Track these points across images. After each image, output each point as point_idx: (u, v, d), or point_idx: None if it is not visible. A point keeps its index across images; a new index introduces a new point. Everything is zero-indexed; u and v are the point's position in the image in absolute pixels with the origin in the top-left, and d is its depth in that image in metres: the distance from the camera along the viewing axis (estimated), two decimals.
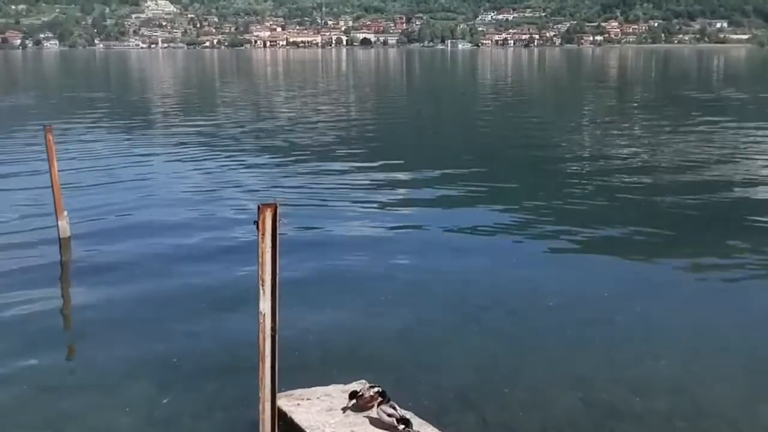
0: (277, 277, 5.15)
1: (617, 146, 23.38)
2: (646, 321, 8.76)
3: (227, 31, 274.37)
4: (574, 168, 19.40)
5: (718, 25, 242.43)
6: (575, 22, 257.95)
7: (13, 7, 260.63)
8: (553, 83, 66.82)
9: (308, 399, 6.40)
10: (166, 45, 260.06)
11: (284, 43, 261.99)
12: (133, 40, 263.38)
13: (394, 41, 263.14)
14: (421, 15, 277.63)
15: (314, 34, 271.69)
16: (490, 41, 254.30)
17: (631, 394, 6.98)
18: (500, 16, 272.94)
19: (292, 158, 20.69)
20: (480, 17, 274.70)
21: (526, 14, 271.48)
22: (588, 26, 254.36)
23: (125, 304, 9.30)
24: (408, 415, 6.01)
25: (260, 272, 5.07)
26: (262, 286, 5.09)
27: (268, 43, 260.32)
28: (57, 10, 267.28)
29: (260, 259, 5.05)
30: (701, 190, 16.23)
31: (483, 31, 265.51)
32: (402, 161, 20.08)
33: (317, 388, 6.61)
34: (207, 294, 9.58)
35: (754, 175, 17.84)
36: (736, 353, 7.98)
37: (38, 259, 11.03)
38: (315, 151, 22.20)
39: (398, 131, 28.84)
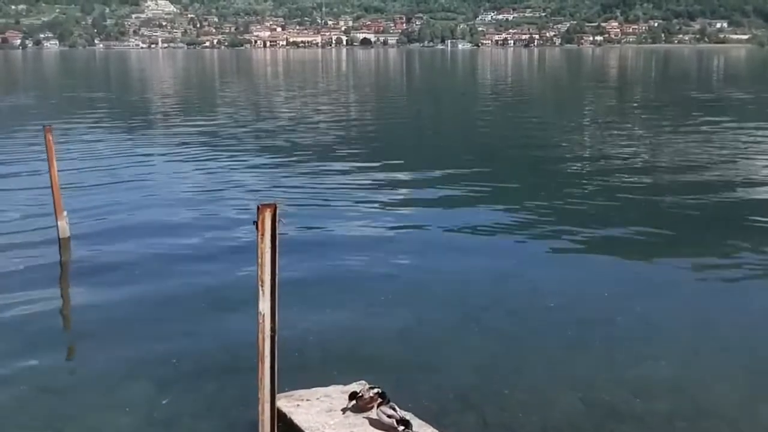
0: (277, 277, 5.14)
1: (617, 146, 23.37)
2: (647, 321, 8.75)
3: (227, 31, 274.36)
4: (574, 168, 19.40)
5: (718, 25, 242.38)
6: (575, 22, 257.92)
7: (13, 7, 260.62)
8: (553, 83, 66.81)
9: (308, 400, 6.39)
10: (166, 45, 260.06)
11: (284, 43, 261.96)
12: (133, 40, 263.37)
13: (394, 41, 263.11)
14: (421, 15, 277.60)
15: (314, 34, 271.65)
16: (490, 41, 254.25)
17: (631, 395, 6.97)
18: (500, 16, 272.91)
19: (292, 158, 20.68)
20: (480, 17, 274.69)
21: (526, 14, 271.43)
22: (588, 26, 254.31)
23: (125, 304, 9.30)
24: (408, 416, 6.01)
25: (260, 272, 5.07)
26: (262, 286, 5.08)
27: (268, 43, 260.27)
28: (57, 10, 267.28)
29: (259, 260, 5.04)
30: (701, 190, 16.22)
31: (483, 31, 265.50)
32: (402, 161, 20.07)
33: (317, 388, 6.60)
34: (207, 294, 9.57)
35: (754, 176, 17.84)
36: (736, 353, 7.98)
37: (38, 259, 11.02)
38: (315, 151, 22.19)
39: (398, 131, 28.84)
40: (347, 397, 6.30)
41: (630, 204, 14.98)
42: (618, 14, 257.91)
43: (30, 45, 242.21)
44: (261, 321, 5.17)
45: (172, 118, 33.72)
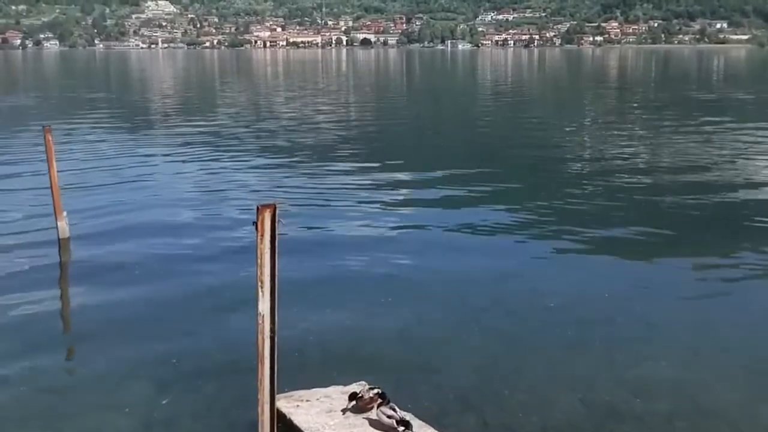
0: (276, 278, 5.13)
1: (617, 146, 23.36)
2: (647, 321, 8.74)
3: (227, 31, 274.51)
4: (574, 168, 19.40)
5: (718, 25, 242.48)
6: (575, 22, 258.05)
7: (13, 7, 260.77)
8: (553, 84, 66.81)
9: (308, 400, 6.39)
10: (166, 45, 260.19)
11: (284, 43, 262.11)
12: (133, 40, 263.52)
13: (394, 41, 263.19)
14: (421, 15, 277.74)
15: (314, 34, 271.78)
16: (490, 41, 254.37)
17: (631, 395, 6.96)
18: (500, 17, 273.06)
19: (292, 158, 20.68)
20: (480, 17, 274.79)
21: (526, 14, 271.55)
22: (588, 26, 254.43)
23: (124, 304, 9.28)
24: (408, 416, 6.00)
25: (259, 273, 5.06)
26: (261, 287, 5.07)
27: (268, 44, 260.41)
28: (57, 11, 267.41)
29: (259, 260, 5.03)
30: (701, 190, 16.21)
31: (483, 31, 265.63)
32: (402, 161, 20.07)
33: (317, 389, 6.59)
34: (207, 295, 9.56)
35: (754, 176, 17.83)
36: (736, 353, 7.97)
37: (37, 259, 11.00)
38: (315, 151, 22.19)
39: (398, 131, 28.83)
40: (347, 398, 6.29)
41: (630, 204, 14.97)
42: (618, 14, 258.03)
43: (30, 45, 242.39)
44: (260, 322, 5.16)
45: (172, 118, 33.72)
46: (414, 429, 5.90)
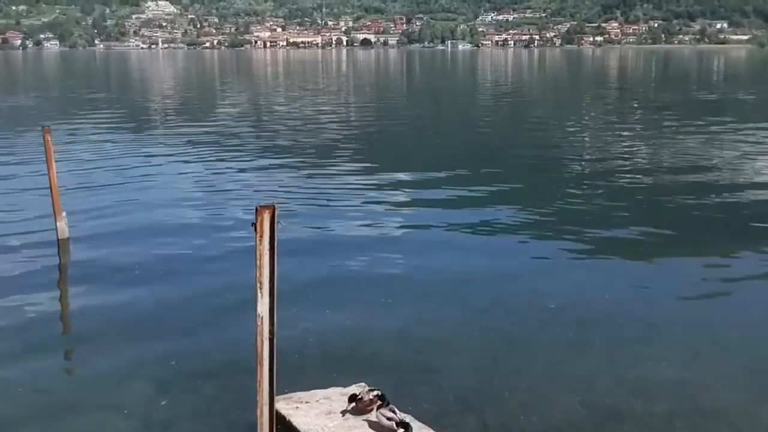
0: (276, 279, 5.11)
1: (617, 147, 23.34)
2: (647, 322, 8.72)
3: (227, 31, 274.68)
4: (574, 168, 19.38)
5: (719, 25, 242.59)
6: (575, 22, 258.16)
7: (13, 7, 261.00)
8: (553, 84, 66.81)
9: (307, 402, 6.36)
10: (166, 45, 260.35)
11: (284, 43, 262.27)
12: (133, 40, 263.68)
13: (394, 42, 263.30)
14: (421, 15, 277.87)
15: (314, 34, 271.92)
16: (490, 42, 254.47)
17: (631, 396, 6.95)
18: (500, 17, 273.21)
19: (292, 159, 20.65)
20: (480, 18, 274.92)
21: (527, 15, 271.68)
22: (588, 27, 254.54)
23: (124, 305, 9.26)
24: (408, 418, 5.98)
25: (258, 275, 5.03)
26: (260, 288, 5.05)
27: (268, 44, 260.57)
28: (57, 11, 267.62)
29: (258, 262, 5.01)
30: (702, 190, 16.20)
31: (483, 31, 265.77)
32: (402, 161, 20.04)
33: (316, 391, 6.57)
34: (206, 295, 9.54)
35: (755, 176, 17.81)
36: (737, 354, 7.95)
37: (36, 260, 10.99)
38: (314, 151, 22.17)
39: (398, 132, 28.80)
40: (347, 400, 6.27)
41: (630, 204, 14.95)
42: (618, 15, 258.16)
43: (30, 45, 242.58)
44: (260, 323, 5.14)
45: (172, 118, 33.71)
46: (414, 431, 5.88)
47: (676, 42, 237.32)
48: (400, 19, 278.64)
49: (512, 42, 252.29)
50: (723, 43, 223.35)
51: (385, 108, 39.51)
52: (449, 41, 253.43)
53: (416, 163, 19.67)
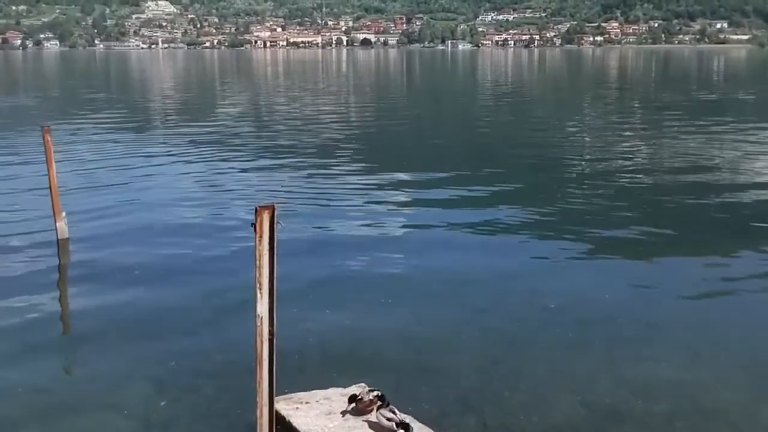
0: (275, 279, 5.10)
1: (617, 147, 23.33)
2: (647, 322, 8.71)
3: (227, 31, 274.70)
4: (574, 168, 19.37)
5: (719, 25, 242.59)
6: (575, 22, 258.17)
7: (13, 7, 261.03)
8: (553, 84, 66.81)
9: (307, 402, 6.35)
10: (166, 45, 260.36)
11: (284, 43, 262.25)
12: (133, 40, 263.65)
13: (394, 42, 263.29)
14: (421, 15, 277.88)
15: (314, 34, 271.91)
16: (490, 42, 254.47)
17: (632, 396, 6.94)
18: (500, 17, 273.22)
19: (292, 159, 20.63)
20: (480, 18, 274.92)
21: (527, 15, 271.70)
22: (588, 27, 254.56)
23: (123, 306, 9.25)
24: (408, 419, 5.97)
25: (258, 275, 5.02)
26: (260, 289, 5.04)
27: (268, 44, 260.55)
28: (57, 11, 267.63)
29: (258, 262, 5.00)
30: (702, 190, 16.19)
31: (483, 31, 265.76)
32: (402, 161, 20.03)
33: (316, 391, 6.56)
34: (206, 296, 9.53)
35: (756, 177, 17.80)
36: (737, 355, 7.94)
37: (36, 260, 10.99)
38: (314, 151, 22.15)
39: (398, 132, 28.80)
40: (347, 400, 6.26)
41: (631, 204, 14.94)
42: (618, 15, 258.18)
43: (30, 45, 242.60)
44: (259, 324, 5.13)
45: (172, 118, 33.71)
46: (414, 431, 5.87)
47: (676, 42, 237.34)
48: (400, 19, 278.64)
49: (512, 42, 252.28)
50: (723, 43, 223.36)
51: (385, 108, 39.50)
52: (449, 41, 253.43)
53: (416, 163, 19.66)
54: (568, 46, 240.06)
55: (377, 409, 6.03)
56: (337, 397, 6.43)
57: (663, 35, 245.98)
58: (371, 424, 5.99)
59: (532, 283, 10.10)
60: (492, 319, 8.90)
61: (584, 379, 7.28)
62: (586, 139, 26.26)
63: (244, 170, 18.93)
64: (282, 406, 6.18)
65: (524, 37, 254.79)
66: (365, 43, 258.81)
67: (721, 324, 8.82)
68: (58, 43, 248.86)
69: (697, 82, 64.04)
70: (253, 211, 4.99)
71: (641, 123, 30.61)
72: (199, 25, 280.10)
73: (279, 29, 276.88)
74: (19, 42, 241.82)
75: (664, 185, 17.03)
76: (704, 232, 12.97)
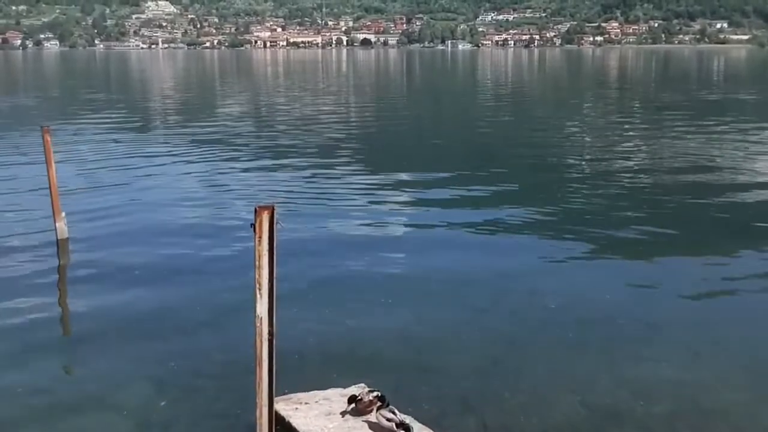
0: (275, 280, 5.09)
1: (618, 147, 23.32)
2: (648, 322, 8.70)
3: (227, 31, 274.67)
4: (575, 169, 19.36)
5: (719, 25, 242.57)
6: (575, 22, 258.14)
7: (13, 7, 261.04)
8: (553, 84, 66.80)
9: (306, 403, 6.34)
10: (166, 45, 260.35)
11: (284, 43, 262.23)
12: (133, 40, 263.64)
13: (394, 42, 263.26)
14: (421, 15, 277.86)
15: (314, 34, 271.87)
16: (490, 42, 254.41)
17: (632, 397, 6.93)
18: (500, 17, 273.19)
19: (292, 159, 20.61)
20: (480, 18, 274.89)
21: (527, 15, 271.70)
22: (588, 27, 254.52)
23: (123, 306, 9.24)
24: (408, 419, 5.96)
25: (257, 275, 5.02)
26: (259, 289, 5.03)
27: (268, 44, 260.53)
28: (57, 11, 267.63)
29: (257, 262, 4.99)
30: (703, 190, 16.19)
31: (483, 31, 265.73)
32: (402, 162, 20.02)
33: (316, 392, 6.55)
34: (205, 296, 9.52)
35: (756, 177, 17.78)
36: (738, 355, 7.93)
37: (35, 260, 10.97)
38: (314, 151, 22.14)
39: (398, 132, 28.79)
40: (346, 401, 6.25)
41: (631, 204, 14.94)
42: (618, 15, 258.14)
43: (30, 45, 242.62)
44: (259, 324, 5.12)
45: (172, 119, 33.71)
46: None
47: (676, 42, 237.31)
48: (400, 19, 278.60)
49: (512, 42, 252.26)
50: (723, 43, 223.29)
51: (385, 108, 39.50)
52: (449, 41, 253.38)
53: (416, 163, 19.65)
54: (568, 46, 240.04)
55: (377, 410, 6.02)
56: (336, 397, 6.42)
57: (663, 35, 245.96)
58: (371, 425, 5.98)
59: (532, 283, 10.09)
60: (492, 319, 8.90)
61: (584, 379, 7.27)
62: (586, 139, 26.26)
63: (244, 170, 18.92)
64: (282, 406, 6.17)
65: (524, 37, 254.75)
66: (365, 43, 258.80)
67: (722, 324, 8.81)
68: (58, 43, 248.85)
69: (697, 82, 64.03)
70: (253, 211, 4.98)
71: (641, 123, 30.59)
72: (199, 25, 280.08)
73: (279, 29, 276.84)
74: (19, 42, 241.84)
75: (664, 185, 17.02)
76: (704, 232, 12.96)
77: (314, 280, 10.07)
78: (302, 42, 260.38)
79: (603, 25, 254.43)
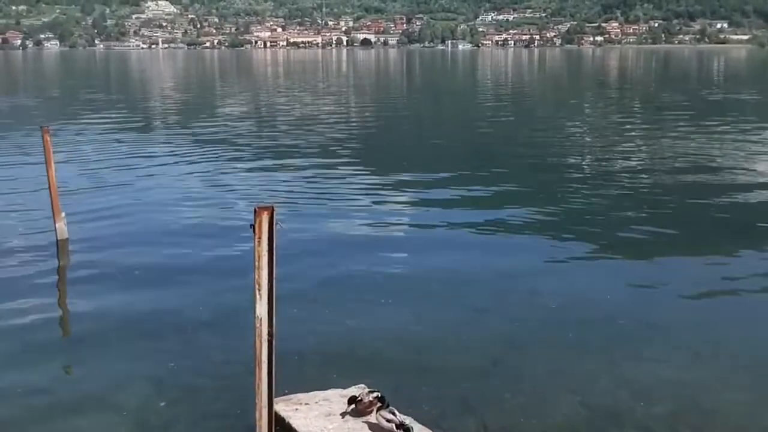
0: (274, 280, 5.08)
1: (618, 147, 23.32)
2: (648, 323, 8.69)
3: (227, 31, 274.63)
4: (575, 169, 19.36)
5: (719, 25, 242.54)
6: (575, 22, 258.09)
7: (13, 7, 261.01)
8: (553, 84, 66.80)
9: (306, 404, 6.33)
10: (166, 45, 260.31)
11: (284, 43, 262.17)
12: (133, 40, 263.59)
13: (394, 42, 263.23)
14: (421, 15, 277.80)
15: (314, 34, 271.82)
16: (490, 42, 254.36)
17: (633, 398, 6.92)
18: (500, 17, 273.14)
19: (292, 159, 20.61)
20: (480, 18, 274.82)
21: (527, 15, 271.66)
22: (588, 27, 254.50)
23: (123, 306, 9.23)
24: (408, 420, 5.95)
25: (257, 276, 5.01)
26: (259, 290, 5.02)
27: (268, 44, 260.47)
28: (57, 11, 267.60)
29: (256, 263, 4.99)
30: (704, 190, 16.18)
31: (483, 31, 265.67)
32: (402, 162, 20.01)
33: (316, 392, 6.54)
34: (205, 297, 9.51)
35: (757, 177, 17.77)
36: (738, 355, 7.92)
37: (35, 260, 10.96)
38: (314, 151, 22.13)
39: (399, 132, 28.80)
40: (346, 401, 6.24)
41: (631, 204, 14.93)
42: (618, 15, 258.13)
43: (30, 45, 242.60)
44: (258, 325, 5.12)
45: (172, 119, 33.71)
46: None
47: (676, 42, 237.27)
48: (400, 19, 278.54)
49: (512, 42, 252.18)
50: (723, 43, 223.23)
51: (385, 108, 39.49)
52: (449, 41, 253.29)
53: (416, 163, 19.64)
54: (568, 46, 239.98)
55: (377, 411, 6.01)
56: (336, 398, 6.41)
57: (663, 35, 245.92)
58: (371, 426, 5.97)
59: (533, 283, 10.08)
60: (492, 319, 8.89)
61: (584, 380, 7.26)
62: (587, 138, 26.25)
63: (244, 170, 18.91)
64: (281, 407, 6.16)
65: (524, 37, 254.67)
66: (365, 43, 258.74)
67: (722, 324, 8.81)
68: (58, 43, 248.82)
69: (698, 82, 64.02)
70: (252, 212, 4.98)
71: (641, 123, 30.59)
72: (199, 25, 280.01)
73: (279, 29, 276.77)
74: (19, 42, 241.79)
75: (665, 185, 17.01)
76: (705, 232, 12.95)
77: (314, 280, 10.07)
78: (302, 42, 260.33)
79: (603, 25, 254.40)
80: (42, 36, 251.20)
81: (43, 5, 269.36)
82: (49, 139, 11.27)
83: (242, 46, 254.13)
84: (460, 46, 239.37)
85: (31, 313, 9.01)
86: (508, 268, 10.85)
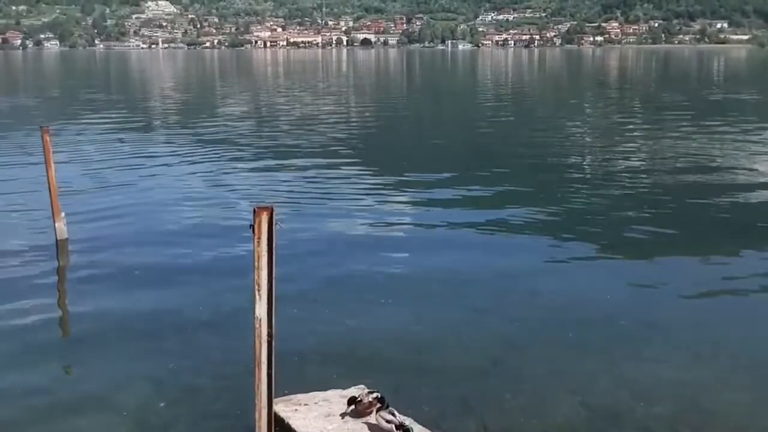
0: (274, 281, 5.08)
1: (618, 147, 23.32)
2: (649, 323, 8.69)
3: (227, 31, 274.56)
4: (575, 169, 19.35)
5: (719, 25, 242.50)
6: (575, 22, 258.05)
7: (13, 7, 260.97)
8: (553, 84, 66.78)
9: (306, 404, 6.33)
10: (166, 45, 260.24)
11: (284, 43, 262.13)
12: (133, 40, 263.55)
13: (394, 42, 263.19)
14: (421, 15, 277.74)
15: (314, 34, 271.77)
16: (490, 42, 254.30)
17: (633, 398, 6.91)
18: (500, 17, 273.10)
19: (292, 159, 20.61)
20: (480, 18, 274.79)
21: (527, 15, 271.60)
22: (588, 27, 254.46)
23: (122, 307, 9.22)
24: (407, 421, 5.94)
25: (256, 276, 5.00)
26: (258, 290, 5.02)
27: (268, 44, 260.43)
28: (57, 11, 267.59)
29: (256, 263, 4.98)
30: (703, 191, 16.18)
31: (483, 31, 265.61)
32: (402, 162, 20.02)
33: (315, 393, 6.53)
34: (205, 297, 9.50)
35: (757, 177, 17.76)
36: (738, 355, 7.92)
37: (34, 261, 10.96)
38: (314, 151, 22.12)
39: (399, 132, 28.79)
40: (346, 402, 6.24)
41: (631, 204, 14.93)
42: (618, 15, 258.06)
43: (30, 45, 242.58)
44: (258, 326, 5.11)
45: (172, 119, 33.70)
46: None
47: (676, 42, 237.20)
48: (400, 19, 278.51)
49: (512, 42, 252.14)
50: (723, 43, 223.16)
51: (385, 108, 39.48)
52: (449, 41, 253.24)
53: (417, 163, 19.64)
54: (568, 46, 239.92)
55: (377, 411, 6.00)
56: (336, 398, 6.40)
57: (663, 35, 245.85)
58: (371, 426, 5.96)
59: (533, 283, 10.08)
60: (492, 319, 8.88)
61: (584, 380, 7.26)
62: (587, 138, 26.25)
63: (244, 170, 18.90)
64: (281, 407, 6.15)
65: (524, 37, 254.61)
66: (365, 43, 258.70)
67: (722, 324, 8.81)
68: (58, 43, 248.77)
69: (698, 82, 64.02)
70: (252, 212, 4.97)
71: (641, 123, 30.57)
72: (199, 25, 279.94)
73: (279, 29, 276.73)
74: (19, 42, 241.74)
75: (665, 185, 17.01)
76: (705, 232, 12.95)
77: (314, 280, 10.07)
78: (302, 42, 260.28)
79: (603, 25, 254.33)
80: (42, 36, 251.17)
81: (43, 5, 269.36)
82: (48, 139, 11.27)
83: (242, 46, 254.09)
84: (460, 46, 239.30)
85: (31, 313, 9.00)
86: (508, 268, 10.84)
